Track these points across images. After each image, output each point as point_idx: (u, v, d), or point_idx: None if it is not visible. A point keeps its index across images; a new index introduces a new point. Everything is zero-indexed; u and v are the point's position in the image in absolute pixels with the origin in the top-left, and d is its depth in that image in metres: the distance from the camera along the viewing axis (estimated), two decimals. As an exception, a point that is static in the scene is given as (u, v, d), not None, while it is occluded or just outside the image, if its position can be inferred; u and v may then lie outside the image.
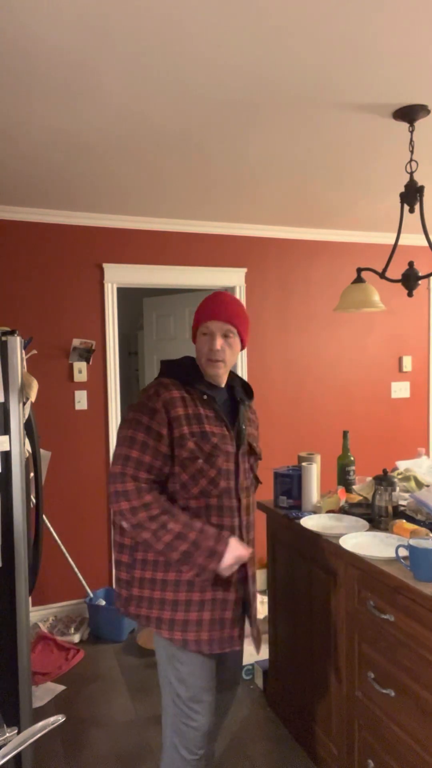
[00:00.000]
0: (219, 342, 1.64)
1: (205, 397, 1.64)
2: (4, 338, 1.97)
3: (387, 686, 1.68)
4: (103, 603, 3.21)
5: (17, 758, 2.01)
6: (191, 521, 1.53)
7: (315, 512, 2.22)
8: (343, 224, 3.78)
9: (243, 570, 1.66)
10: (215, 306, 1.65)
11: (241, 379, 1.84)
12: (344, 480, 2.44)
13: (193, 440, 1.57)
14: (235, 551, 1.54)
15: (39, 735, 0.88)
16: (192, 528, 1.52)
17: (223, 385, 1.74)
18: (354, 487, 2.43)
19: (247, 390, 1.82)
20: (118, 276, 3.44)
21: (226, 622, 1.61)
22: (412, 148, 2.11)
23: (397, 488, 2.13)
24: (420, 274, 2.11)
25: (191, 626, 1.58)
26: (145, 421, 1.56)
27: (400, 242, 2.20)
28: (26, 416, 2.10)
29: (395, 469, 2.56)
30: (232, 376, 1.81)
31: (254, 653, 2.84)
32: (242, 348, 1.75)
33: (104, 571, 3.49)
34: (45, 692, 2.66)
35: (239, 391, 1.77)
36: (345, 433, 2.47)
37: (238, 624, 1.65)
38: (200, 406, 1.62)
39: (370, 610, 1.74)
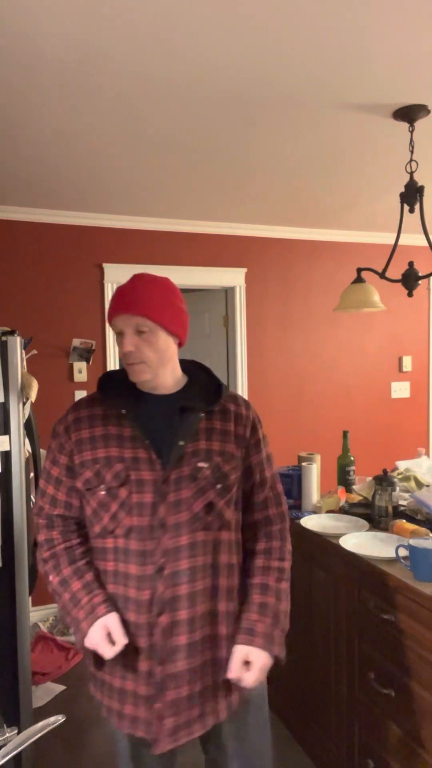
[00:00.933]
0: (130, 342, 1.28)
1: (123, 411, 1.31)
2: (4, 338, 1.97)
3: (387, 686, 1.68)
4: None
5: (17, 758, 2.01)
6: (71, 578, 1.28)
7: (315, 512, 2.22)
8: (343, 224, 3.78)
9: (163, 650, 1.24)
10: (120, 297, 1.29)
11: (208, 376, 1.44)
12: (344, 480, 2.43)
13: (94, 468, 1.28)
14: (93, 638, 1.22)
15: (39, 735, 0.88)
16: (66, 588, 1.28)
17: (164, 392, 1.37)
18: (354, 487, 2.43)
19: (211, 392, 1.39)
20: (118, 276, 3.44)
21: (138, 700, 1.26)
22: (412, 148, 2.11)
23: (397, 488, 2.14)
24: (420, 274, 2.11)
25: (100, 686, 1.33)
26: (53, 447, 1.36)
27: (400, 242, 2.20)
28: (26, 416, 2.10)
29: (395, 469, 2.56)
30: (193, 372, 1.44)
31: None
32: (180, 341, 1.37)
33: (104, 571, 3.49)
34: (45, 692, 2.65)
35: (193, 394, 1.37)
36: (345, 433, 2.47)
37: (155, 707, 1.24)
38: (115, 424, 1.31)
39: (371, 610, 1.74)
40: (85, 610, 1.25)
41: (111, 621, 1.23)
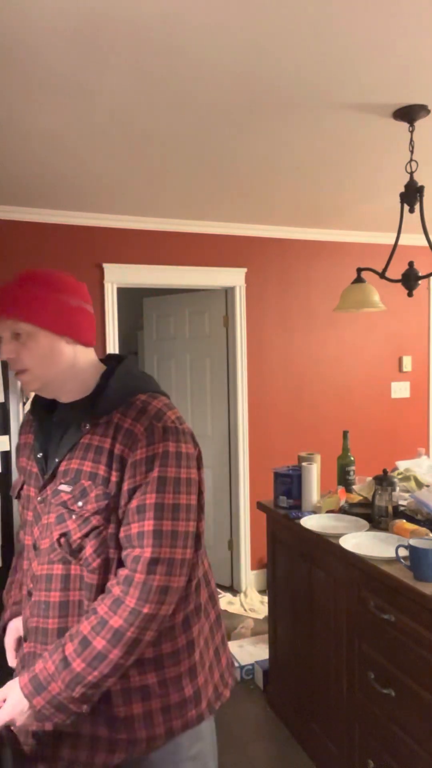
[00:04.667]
0: (7, 349, 1.11)
1: (33, 419, 1.27)
2: (4, 338, 1.97)
3: (387, 686, 1.68)
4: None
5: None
6: (7, 598, 1.36)
7: (315, 512, 2.22)
8: (343, 224, 3.78)
9: None
10: None
11: (115, 380, 1.16)
12: (344, 480, 2.44)
13: (21, 479, 1.29)
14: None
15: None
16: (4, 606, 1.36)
17: (65, 399, 1.20)
18: (354, 487, 2.43)
19: (104, 400, 1.14)
20: (118, 276, 3.44)
21: None
22: (412, 148, 2.11)
23: (397, 488, 2.14)
24: (420, 274, 2.11)
25: None
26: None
27: (400, 242, 2.20)
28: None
29: (395, 469, 2.56)
30: (108, 376, 1.20)
31: (253, 652, 2.84)
32: (82, 341, 1.16)
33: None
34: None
35: (78, 403, 1.18)
36: (345, 433, 2.47)
37: None
38: (33, 433, 1.25)
39: (371, 610, 1.74)
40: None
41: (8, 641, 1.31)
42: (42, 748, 1.11)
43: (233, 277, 3.70)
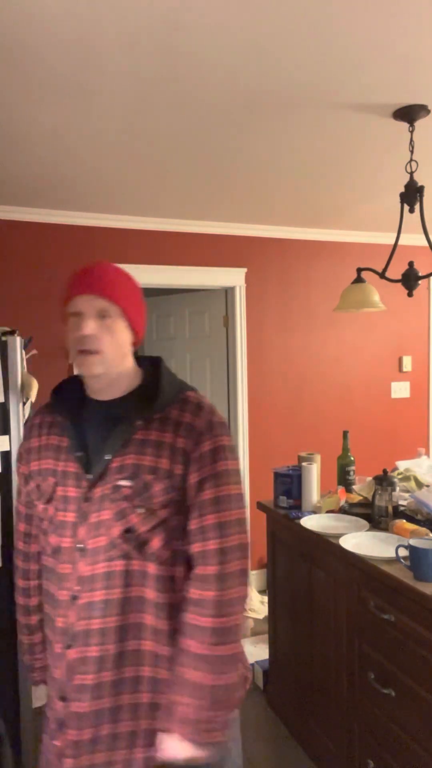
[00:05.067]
0: (90, 325, 1.12)
1: (59, 418, 1.21)
2: (4, 338, 1.97)
3: (387, 686, 1.68)
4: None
5: (17, 757, 2.01)
6: (27, 618, 1.34)
7: (315, 512, 2.22)
8: (343, 224, 3.78)
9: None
10: (85, 276, 1.14)
11: (155, 377, 1.22)
12: (344, 480, 2.44)
13: (36, 479, 1.21)
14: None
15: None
16: (21, 629, 1.36)
17: (110, 396, 1.20)
18: (354, 487, 2.43)
19: (150, 398, 1.18)
20: (118, 276, 3.43)
21: None
22: (412, 148, 2.11)
23: (397, 488, 2.14)
24: (420, 274, 2.11)
25: None
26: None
27: (400, 242, 2.20)
28: (26, 416, 2.10)
29: (395, 469, 2.56)
30: (151, 373, 1.24)
31: (253, 652, 2.84)
32: (137, 340, 1.20)
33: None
34: (45, 692, 2.65)
35: (131, 400, 1.19)
36: (345, 433, 2.47)
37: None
38: (57, 433, 1.21)
39: (371, 610, 1.74)
40: (26, 661, 1.36)
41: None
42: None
43: (233, 277, 3.70)
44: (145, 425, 1.14)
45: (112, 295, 1.13)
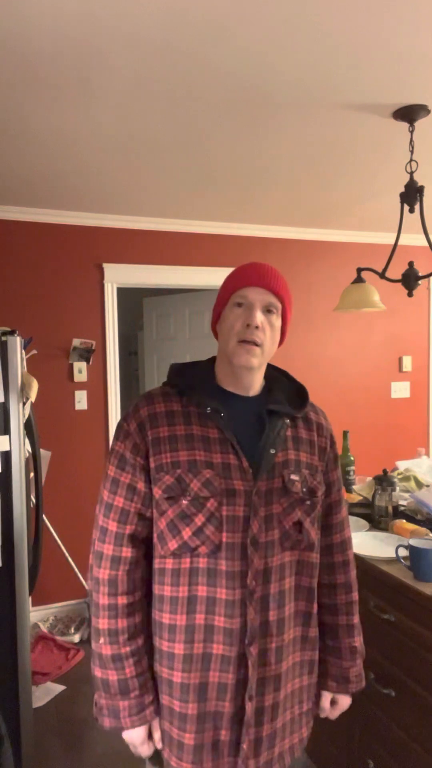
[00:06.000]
0: (260, 317, 1.15)
1: (208, 409, 1.15)
2: (4, 338, 1.97)
3: (387, 686, 1.68)
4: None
5: (17, 757, 2.01)
6: (127, 659, 1.12)
7: (315, 512, 2.22)
8: (343, 224, 3.78)
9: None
10: (257, 270, 1.16)
11: (288, 379, 1.31)
12: (344, 480, 2.43)
13: (175, 473, 1.11)
14: (134, 737, 1.14)
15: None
16: (118, 667, 1.12)
17: (252, 393, 1.22)
18: (354, 487, 2.43)
19: (297, 396, 1.27)
20: (118, 276, 3.44)
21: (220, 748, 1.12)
22: (412, 148, 2.11)
23: (397, 488, 2.13)
24: (420, 274, 2.11)
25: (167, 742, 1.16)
26: (121, 449, 1.15)
27: (400, 242, 2.20)
28: (26, 416, 2.10)
29: (395, 469, 2.56)
30: (274, 376, 1.29)
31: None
32: (281, 341, 1.24)
33: (104, 571, 3.49)
34: (45, 692, 2.66)
35: (279, 397, 1.22)
36: (345, 433, 2.46)
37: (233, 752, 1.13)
38: (198, 423, 1.15)
39: (371, 610, 1.74)
40: (131, 703, 1.11)
41: (155, 725, 1.15)
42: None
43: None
44: (293, 423, 1.22)
45: (281, 293, 1.17)
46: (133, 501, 1.13)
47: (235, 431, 1.15)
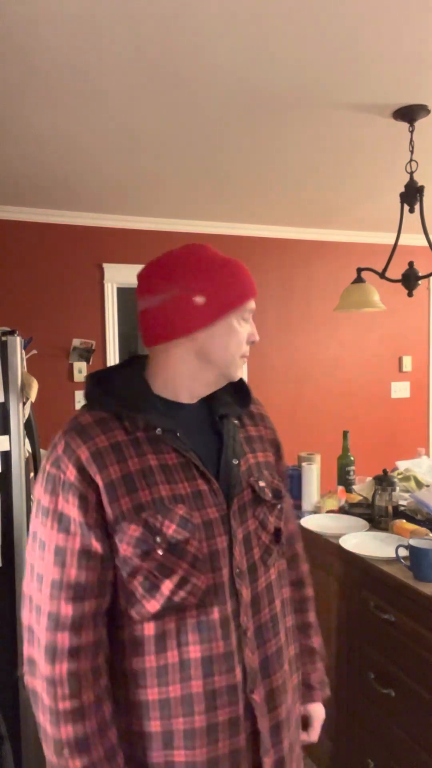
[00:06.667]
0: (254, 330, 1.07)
1: (158, 431, 0.94)
2: (4, 338, 1.97)
3: (387, 686, 1.68)
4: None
5: (17, 758, 2.01)
6: (93, 738, 0.86)
7: (315, 512, 2.22)
8: (343, 224, 3.78)
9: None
10: (247, 276, 1.03)
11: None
12: (344, 480, 2.43)
13: (141, 519, 0.88)
14: None
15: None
16: (84, 752, 0.86)
17: (196, 398, 1.04)
18: (354, 487, 2.43)
19: (238, 390, 1.11)
20: (118, 276, 3.44)
21: None
22: (412, 148, 2.11)
23: (397, 488, 2.13)
24: (420, 274, 2.11)
25: None
26: (55, 506, 0.89)
27: (400, 242, 2.20)
28: (26, 416, 2.10)
29: (395, 469, 2.56)
30: None
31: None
32: None
33: (104, 571, 3.49)
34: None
35: (225, 398, 1.07)
36: (345, 433, 2.46)
37: None
38: (152, 451, 0.93)
39: (371, 610, 1.74)
40: None
41: None
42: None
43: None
44: (240, 422, 1.08)
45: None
46: (90, 569, 0.88)
47: (193, 449, 0.97)
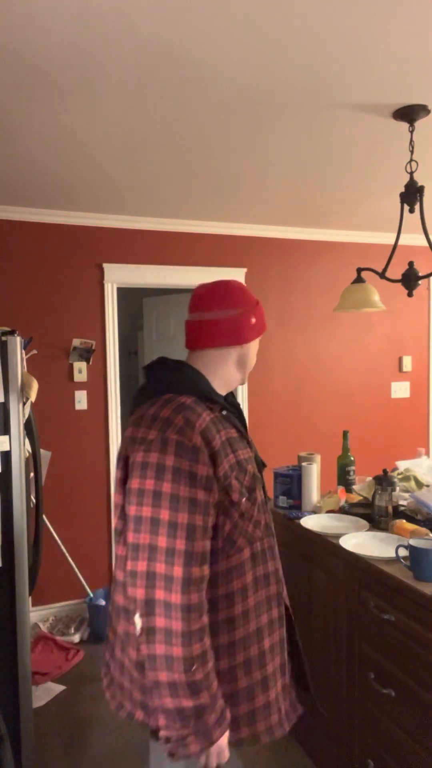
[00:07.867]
0: None
1: (224, 412, 1.29)
2: (4, 338, 1.97)
3: (387, 686, 1.68)
4: (103, 603, 3.21)
5: (17, 757, 2.01)
6: (214, 677, 1.13)
7: (315, 512, 2.22)
8: (343, 224, 3.78)
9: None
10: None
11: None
12: (344, 480, 2.44)
13: (232, 475, 1.20)
14: (223, 745, 1.13)
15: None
16: (208, 685, 1.11)
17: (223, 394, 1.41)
18: (354, 487, 2.43)
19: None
20: (118, 276, 3.44)
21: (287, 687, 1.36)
22: (412, 148, 2.11)
23: (397, 488, 2.13)
24: (420, 274, 2.11)
25: (260, 714, 1.24)
26: (188, 468, 1.12)
27: (400, 242, 2.20)
28: (26, 416, 2.10)
29: (395, 469, 2.56)
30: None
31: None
32: None
33: (104, 571, 3.49)
34: (45, 692, 2.66)
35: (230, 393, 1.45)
36: (345, 433, 2.47)
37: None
38: (224, 427, 1.25)
39: (371, 610, 1.74)
40: (217, 713, 1.11)
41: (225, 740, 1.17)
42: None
43: (233, 277, 3.70)
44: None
45: None
46: (210, 515, 1.15)
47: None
